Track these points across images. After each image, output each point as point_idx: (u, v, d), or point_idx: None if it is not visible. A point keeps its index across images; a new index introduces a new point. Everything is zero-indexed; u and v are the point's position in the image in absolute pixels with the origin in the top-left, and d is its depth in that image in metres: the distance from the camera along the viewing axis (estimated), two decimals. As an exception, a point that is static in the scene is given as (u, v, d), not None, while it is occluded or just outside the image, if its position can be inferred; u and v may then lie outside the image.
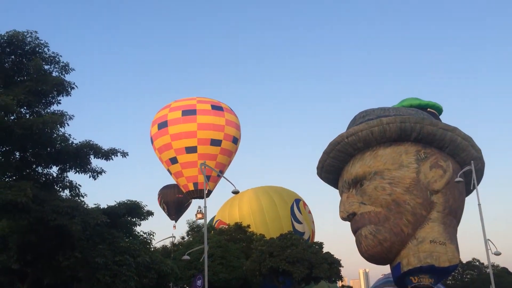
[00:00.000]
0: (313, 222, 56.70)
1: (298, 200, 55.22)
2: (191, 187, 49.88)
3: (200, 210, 56.15)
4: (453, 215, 21.73)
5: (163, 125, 49.48)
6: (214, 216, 58.43)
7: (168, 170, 51.04)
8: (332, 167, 23.50)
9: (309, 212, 56.55)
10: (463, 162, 22.12)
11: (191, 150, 47.97)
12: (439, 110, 24.75)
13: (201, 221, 52.15)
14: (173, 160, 49.16)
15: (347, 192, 22.65)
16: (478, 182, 23.79)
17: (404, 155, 21.86)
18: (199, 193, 49.61)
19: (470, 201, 23.60)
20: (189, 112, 48.79)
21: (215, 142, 48.33)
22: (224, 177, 22.26)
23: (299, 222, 52.67)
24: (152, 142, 51.34)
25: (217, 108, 50.23)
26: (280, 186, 58.01)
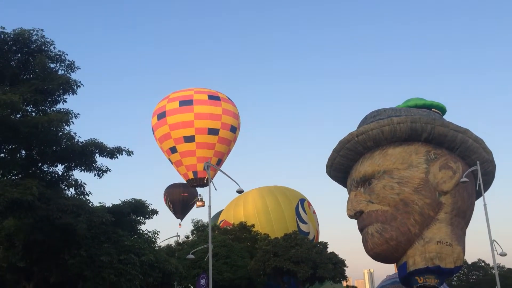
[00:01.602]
0: (317, 222, 58.47)
1: (302, 200, 57.01)
2: (191, 176, 52.52)
3: (200, 198, 58.20)
4: (461, 216, 22.68)
5: (162, 115, 52.23)
6: (218, 213, 60.29)
7: (169, 160, 53.76)
8: (342, 166, 24.49)
9: (314, 212, 58.34)
10: (474, 164, 23.04)
11: (189, 139, 50.59)
12: (443, 110, 25.75)
13: (205, 219, 53.88)
14: (173, 150, 51.87)
15: (355, 190, 23.53)
16: (489, 184, 24.77)
17: (414, 155, 22.76)
18: (199, 181, 52.24)
19: (477, 201, 24.96)
20: (186, 103, 51.36)
21: (213, 131, 50.86)
22: (229, 177, 23.47)
23: (304, 222, 54.49)
24: (153, 132, 54.07)
25: (213, 97, 52.76)
26: (284, 186, 59.87)
